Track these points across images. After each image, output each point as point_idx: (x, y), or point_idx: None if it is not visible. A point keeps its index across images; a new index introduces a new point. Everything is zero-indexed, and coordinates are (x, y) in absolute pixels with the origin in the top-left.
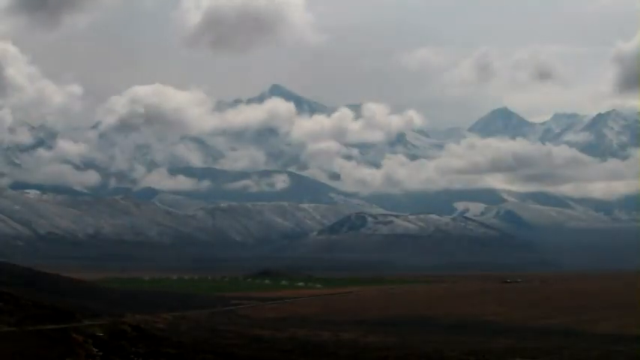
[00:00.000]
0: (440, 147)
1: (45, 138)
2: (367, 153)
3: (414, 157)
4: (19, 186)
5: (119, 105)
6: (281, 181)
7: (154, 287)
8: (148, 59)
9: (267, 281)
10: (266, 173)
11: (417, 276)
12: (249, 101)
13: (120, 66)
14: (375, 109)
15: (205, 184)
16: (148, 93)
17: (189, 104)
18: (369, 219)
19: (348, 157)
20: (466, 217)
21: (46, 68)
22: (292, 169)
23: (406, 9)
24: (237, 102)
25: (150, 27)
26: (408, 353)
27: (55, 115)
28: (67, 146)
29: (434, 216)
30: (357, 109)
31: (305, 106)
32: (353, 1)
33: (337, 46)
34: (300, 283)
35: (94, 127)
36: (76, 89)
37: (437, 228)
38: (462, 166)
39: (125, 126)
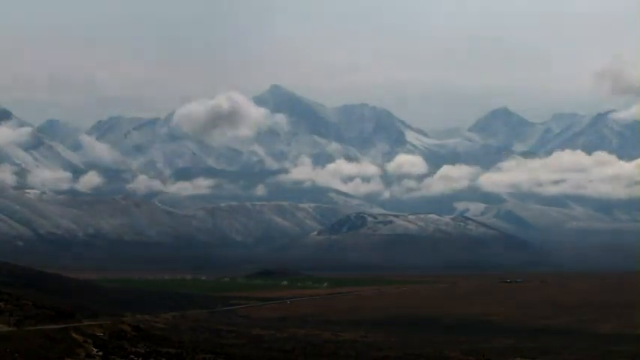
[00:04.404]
0: (440, 147)
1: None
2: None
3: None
4: (20, 186)
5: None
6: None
7: (153, 287)
8: None
9: (267, 281)
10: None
11: (417, 276)
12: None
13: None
14: None
15: (205, 184)
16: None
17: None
18: (369, 219)
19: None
20: (466, 217)
21: None
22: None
23: None
24: None
25: None
26: (408, 353)
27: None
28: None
29: (434, 216)
30: None
31: None
32: None
33: None
34: (298, 283)
35: (93, 127)
36: None
37: (437, 228)
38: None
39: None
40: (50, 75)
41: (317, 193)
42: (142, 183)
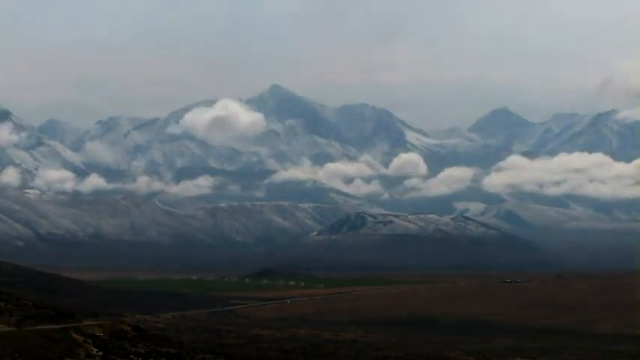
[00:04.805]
0: (440, 147)
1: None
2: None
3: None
4: (20, 186)
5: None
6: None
7: (153, 287)
8: None
9: (267, 281)
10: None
11: (417, 276)
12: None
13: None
14: None
15: (206, 184)
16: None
17: None
18: (369, 219)
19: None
20: (466, 217)
21: None
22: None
23: None
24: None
25: None
26: (408, 353)
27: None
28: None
29: (434, 216)
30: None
31: None
32: None
33: None
34: (301, 283)
35: (94, 127)
36: None
37: (437, 228)
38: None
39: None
40: (51, 75)
41: (317, 193)
42: (142, 183)
